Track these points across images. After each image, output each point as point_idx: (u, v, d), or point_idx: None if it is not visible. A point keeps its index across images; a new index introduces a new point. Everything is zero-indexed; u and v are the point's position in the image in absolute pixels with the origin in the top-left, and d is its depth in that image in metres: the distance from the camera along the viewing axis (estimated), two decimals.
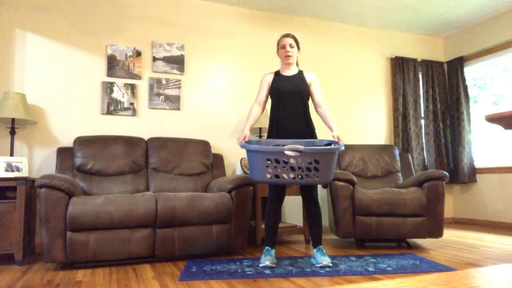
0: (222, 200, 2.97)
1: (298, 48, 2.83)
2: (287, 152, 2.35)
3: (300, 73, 2.84)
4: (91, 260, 2.64)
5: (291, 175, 2.42)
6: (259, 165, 2.41)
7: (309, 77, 2.83)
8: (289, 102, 2.73)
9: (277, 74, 2.85)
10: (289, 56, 2.77)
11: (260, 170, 2.42)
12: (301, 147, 2.35)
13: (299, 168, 2.39)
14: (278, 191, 2.70)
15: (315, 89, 2.83)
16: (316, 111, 2.84)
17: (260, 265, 2.58)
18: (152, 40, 3.92)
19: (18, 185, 2.84)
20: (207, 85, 4.10)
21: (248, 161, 2.49)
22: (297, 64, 2.89)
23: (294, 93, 2.74)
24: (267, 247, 2.68)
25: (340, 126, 4.63)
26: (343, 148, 2.48)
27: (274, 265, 2.58)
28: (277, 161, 2.40)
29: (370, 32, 4.93)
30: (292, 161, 2.39)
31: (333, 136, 2.65)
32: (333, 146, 2.49)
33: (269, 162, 2.39)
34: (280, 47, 2.81)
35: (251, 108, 2.85)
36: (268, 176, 2.42)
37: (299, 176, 2.41)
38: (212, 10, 4.20)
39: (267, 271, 2.46)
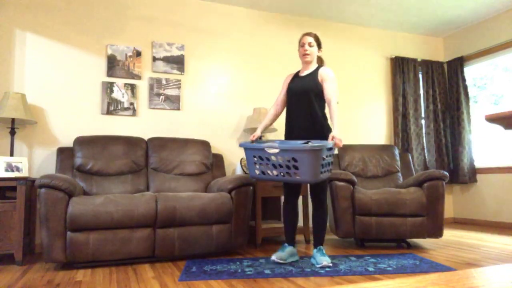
0: (222, 200, 2.97)
1: (320, 47, 2.86)
2: (267, 150, 2.50)
3: (315, 71, 2.80)
4: (91, 260, 2.64)
5: (275, 172, 2.53)
6: (250, 162, 2.65)
7: (322, 74, 2.74)
8: (296, 102, 2.78)
9: (296, 74, 2.91)
10: (306, 54, 2.80)
11: (252, 167, 2.65)
12: (276, 145, 2.46)
13: (280, 165, 2.48)
14: (289, 187, 2.81)
15: (325, 86, 2.71)
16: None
17: (271, 258, 2.72)
18: (152, 40, 3.92)
19: (18, 185, 2.84)
20: (207, 85, 4.10)
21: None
22: (322, 62, 2.90)
23: (301, 92, 2.76)
24: (284, 243, 2.81)
25: (340, 126, 4.63)
26: (329, 146, 2.38)
27: (282, 261, 2.66)
28: (261, 158, 2.55)
29: (370, 32, 4.93)
30: (273, 158, 2.49)
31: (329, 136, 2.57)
32: (310, 144, 2.48)
33: (255, 158, 2.58)
34: (300, 45, 2.84)
35: (269, 109, 2.92)
36: (257, 172, 2.62)
37: (281, 174, 2.51)
38: (212, 10, 4.20)
39: (267, 271, 2.46)
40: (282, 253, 2.68)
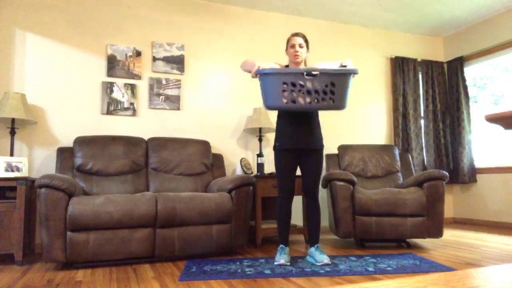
0: (222, 200, 2.97)
1: (308, 48, 2.81)
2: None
3: None
4: (91, 260, 2.64)
5: (307, 99, 2.44)
6: (275, 90, 2.41)
7: None
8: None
9: None
10: (297, 55, 2.75)
11: (276, 95, 2.42)
12: (318, 67, 2.38)
13: (316, 91, 2.42)
14: (288, 191, 2.75)
15: None
16: None
17: (275, 263, 2.65)
18: (152, 40, 3.92)
19: (18, 185, 2.84)
20: (207, 85, 4.10)
21: (262, 88, 2.48)
22: (305, 64, 2.87)
23: None
24: (281, 245, 2.75)
25: (340, 126, 4.63)
26: (357, 72, 2.49)
27: (288, 263, 2.64)
28: (293, 84, 2.41)
29: (370, 32, 4.93)
30: (308, 84, 2.40)
31: (341, 64, 2.65)
32: (348, 67, 2.51)
33: (285, 85, 2.41)
34: (290, 46, 2.78)
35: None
36: (284, 100, 2.44)
37: (315, 100, 2.45)
38: (212, 10, 4.20)
39: (267, 271, 2.46)
40: (286, 255, 2.68)
